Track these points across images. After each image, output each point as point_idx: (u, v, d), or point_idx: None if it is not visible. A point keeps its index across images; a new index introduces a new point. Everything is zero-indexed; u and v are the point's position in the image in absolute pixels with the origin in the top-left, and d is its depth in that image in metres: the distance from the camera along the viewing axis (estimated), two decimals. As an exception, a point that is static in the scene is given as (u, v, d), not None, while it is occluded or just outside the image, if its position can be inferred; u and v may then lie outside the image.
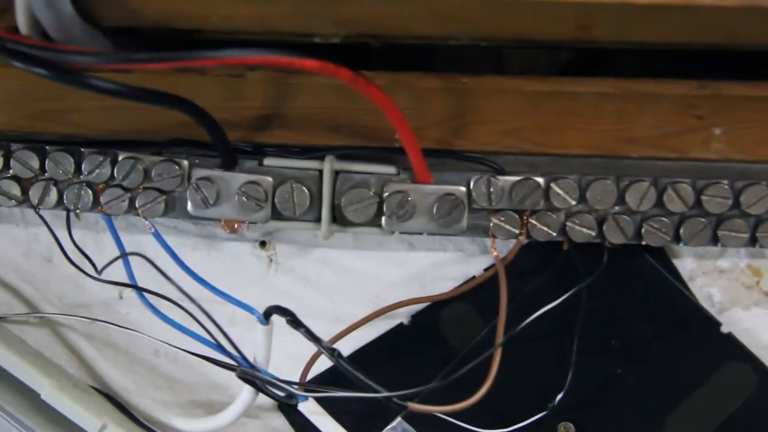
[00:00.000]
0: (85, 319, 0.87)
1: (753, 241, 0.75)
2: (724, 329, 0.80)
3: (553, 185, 0.74)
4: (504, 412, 0.79)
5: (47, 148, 0.77)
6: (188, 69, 0.71)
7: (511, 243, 0.77)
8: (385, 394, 0.70)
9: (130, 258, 0.79)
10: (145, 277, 0.78)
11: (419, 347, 0.84)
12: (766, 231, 0.74)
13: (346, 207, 0.74)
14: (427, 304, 0.84)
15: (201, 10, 0.62)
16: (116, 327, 0.85)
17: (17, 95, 0.75)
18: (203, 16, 0.63)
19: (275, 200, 0.75)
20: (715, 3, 0.54)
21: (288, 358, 0.81)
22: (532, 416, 0.79)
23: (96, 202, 0.77)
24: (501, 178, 0.74)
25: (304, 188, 0.75)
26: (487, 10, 0.58)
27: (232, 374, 0.75)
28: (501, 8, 0.57)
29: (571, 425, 0.81)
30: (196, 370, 0.88)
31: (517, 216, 0.75)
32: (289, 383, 0.73)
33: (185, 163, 0.76)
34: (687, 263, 0.82)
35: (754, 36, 0.62)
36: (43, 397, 0.78)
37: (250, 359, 0.75)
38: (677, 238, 0.75)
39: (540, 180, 0.74)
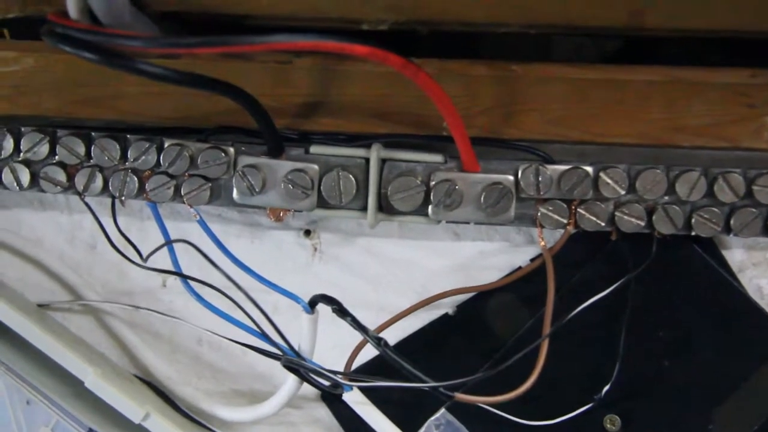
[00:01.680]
0: (128, 307, 0.87)
1: (805, 232, 0.74)
2: (774, 322, 0.79)
3: (602, 174, 0.73)
4: (549, 404, 0.78)
5: (93, 134, 0.77)
6: (237, 54, 0.71)
7: (559, 233, 0.77)
8: (432, 384, 0.70)
9: (175, 246, 0.78)
10: (189, 264, 0.78)
11: (464, 338, 0.84)
12: (818, 222, 0.73)
13: (392, 195, 0.74)
14: (473, 294, 0.83)
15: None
16: (159, 315, 0.85)
17: (63, 81, 0.75)
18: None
19: (321, 188, 0.75)
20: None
21: (331, 347, 0.81)
22: (578, 408, 0.79)
23: (141, 189, 0.77)
24: (549, 167, 0.73)
25: (350, 176, 0.74)
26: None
27: (275, 364, 0.75)
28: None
29: (617, 418, 0.80)
30: (240, 359, 0.88)
31: (565, 205, 0.74)
32: (335, 372, 0.73)
33: (231, 150, 0.75)
34: (737, 254, 0.81)
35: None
36: (86, 384, 0.78)
37: (295, 348, 0.75)
38: (727, 229, 0.74)
39: (589, 169, 0.73)
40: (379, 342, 0.70)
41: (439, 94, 0.63)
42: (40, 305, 0.88)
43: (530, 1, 0.59)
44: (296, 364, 0.73)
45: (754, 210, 0.73)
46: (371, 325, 0.76)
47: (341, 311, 0.71)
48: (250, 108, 0.66)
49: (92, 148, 0.76)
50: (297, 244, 0.86)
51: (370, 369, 0.83)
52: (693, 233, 0.74)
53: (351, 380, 0.75)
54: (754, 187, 0.72)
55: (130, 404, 0.77)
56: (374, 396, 0.83)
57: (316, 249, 0.85)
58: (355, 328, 0.71)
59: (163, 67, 0.57)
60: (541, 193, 0.73)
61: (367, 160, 0.75)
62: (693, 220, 0.74)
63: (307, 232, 0.85)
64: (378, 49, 0.56)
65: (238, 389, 0.89)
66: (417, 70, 0.61)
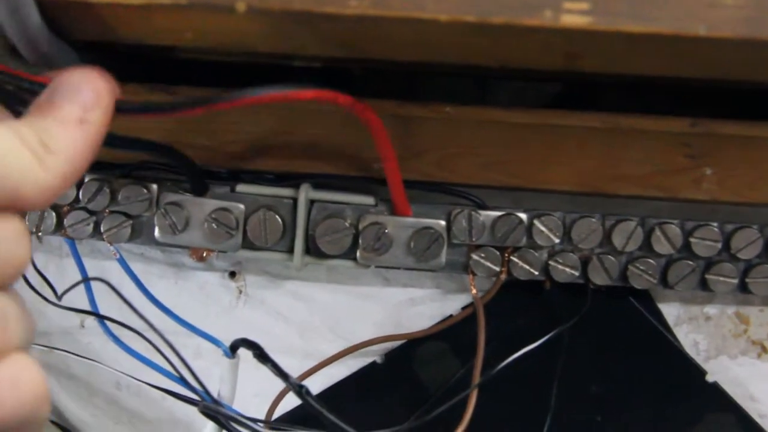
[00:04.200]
0: (43, 348, 0.84)
1: (742, 287, 0.73)
2: (710, 378, 0.78)
3: (536, 222, 0.71)
4: (478, 458, 0.76)
5: (10, 167, 0.74)
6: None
7: (491, 281, 0.75)
8: (354, 434, 0.67)
9: (93, 285, 0.76)
10: (109, 305, 0.75)
11: (392, 387, 0.82)
12: (756, 277, 0.72)
13: (320, 238, 0.72)
14: (402, 342, 0.81)
15: (176, 25, 0.59)
16: (76, 357, 0.82)
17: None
18: (178, 31, 0.60)
19: (247, 228, 0.72)
20: (711, 34, 0.52)
21: (255, 394, 0.79)
22: (508, 463, 0.77)
23: (59, 225, 0.74)
24: (482, 212, 0.72)
25: (277, 217, 0.72)
26: (473, 36, 0.55)
27: (195, 410, 0.72)
28: (487, 34, 0.55)
29: (548, 473, 0.78)
30: (159, 405, 0.85)
31: (498, 253, 0.73)
32: (254, 420, 0.70)
33: (154, 186, 0.73)
34: (673, 308, 0.80)
35: (751, 71, 0.60)
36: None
37: (215, 394, 0.72)
38: (664, 282, 0.73)
39: (523, 216, 0.72)
40: (300, 389, 0.68)
41: (382, 133, 0.62)
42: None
43: (463, 41, 0.57)
44: (214, 411, 0.71)
45: (690, 263, 0.72)
46: (296, 372, 0.74)
47: (262, 356, 0.68)
48: (165, 155, 0.64)
49: (9, 181, 0.73)
50: (221, 285, 0.83)
51: (293, 418, 0.81)
52: (628, 285, 0.73)
53: (271, 429, 0.73)
54: (692, 240, 0.71)
55: (42, 450, 0.74)
56: (297, 446, 0.81)
57: (241, 291, 0.83)
58: (275, 374, 0.68)
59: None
60: (474, 239, 0.71)
61: (295, 201, 0.72)
62: (628, 272, 0.72)
63: (233, 274, 0.83)
64: (325, 90, 0.55)
65: (157, 436, 0.86)
66: (366, 110, 0.60)
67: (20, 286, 0.77)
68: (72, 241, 0.76)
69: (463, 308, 0.80)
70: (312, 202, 0.73)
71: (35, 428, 0.39)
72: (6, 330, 0.37)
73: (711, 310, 0.80)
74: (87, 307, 0.76)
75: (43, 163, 0.39)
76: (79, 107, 0.42)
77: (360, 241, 0.72)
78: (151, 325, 0.68)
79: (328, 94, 0.55)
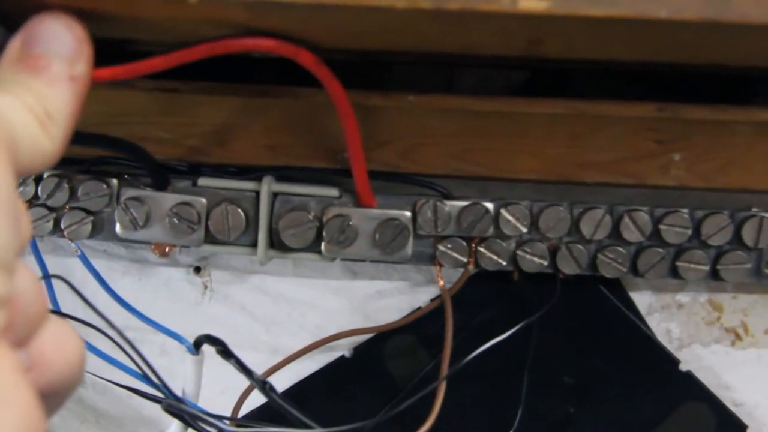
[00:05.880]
0: (7, 347, 0.83)
1: (714, 275, 0.72)
2: (683, 367, 0.78)
3: (503, 211, 0.70)
4: (449, 452, 0.75)
5: (-33, 164, 0.72)
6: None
7: (459, 272, 0.74)
8: (321, 430, 0.66)
9: (55, 283, 0.74)
10: (73, 303, 0.74)
11: (362, 381, 0.81)
12: (727, 263, 0.71)
13: (283, 231, 0.71)
14: (371, 335, 0.81)
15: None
16: (40, 356, 0.81)
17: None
18: (127, 24, 0.59)
19: (209, 223, 0.71)
20: (673, 17, 0.51)
21: (222, 391, 0.78)
22: (479, 456, 0.76)
23: (19, 222, 0.73)
24: (448, 202, 0.71)
25: (239, 210, 0.71)
26: (431, 22, 0.54)
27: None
28: (444, 20, 0.54)
29: (521, 466, 0.77)
30: (126, 403, 0.84)
31: (464, 243, 0.72)
32: (219, 418, 0.69)
33: (114, 181, 0.72)
34: (645, 296, 0.79)
35: (715, 55, 0.59)
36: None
37: (179, 391, 0.71)
38: (634, 270, 0.72)
39: (489, 205, 0.71)
40: (264, 385, 0.67)
41: (345, 104, 0.60)
42: None
43: (421, 29, 0.56)
44: (178, 409, 0.69)
45: (660, 250, 0.71)
46: (264, 367, 0.73)
47: (225, 353, 0.67)
48: (121, 149, 0.63)
49: (-35, 177, 0.72)
50: (187, 281, 0.82)
51: (261, 415, 0.80)
52: (598, 274, 0.72)
53: (237, 426, 0.71)
54: (661, 227, 0.70)
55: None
56: (264, 443, 0.80)
57: (206, 287, 0.82)
58: (239, 371, 0.67)
59: None
60: (440, 230, 0.71)
61: (258, 194, 0.72)
62: (598, 261, 0.71)
63: (197, 269, 0.82)
64: (288, 42, 0.54)
65: (123, 434, 0.85)
66: (330, 75, 0.58)
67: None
68: (32, 239, 0.74)
69: (432, 300, 0.79)
70: (275, 195, 0.72)
71: (69, 394, 0.41)
72: (42, 296, 0.37)
73: (683, 298, 0.79)
74: (48, 306, 0.75)
75: (48, 132, 0.39)
76: (67, 63, 0.42)
77: (324, 233, 0.71)
78: (110, 323, 0.67)
79: (291, 48, 0.55)
